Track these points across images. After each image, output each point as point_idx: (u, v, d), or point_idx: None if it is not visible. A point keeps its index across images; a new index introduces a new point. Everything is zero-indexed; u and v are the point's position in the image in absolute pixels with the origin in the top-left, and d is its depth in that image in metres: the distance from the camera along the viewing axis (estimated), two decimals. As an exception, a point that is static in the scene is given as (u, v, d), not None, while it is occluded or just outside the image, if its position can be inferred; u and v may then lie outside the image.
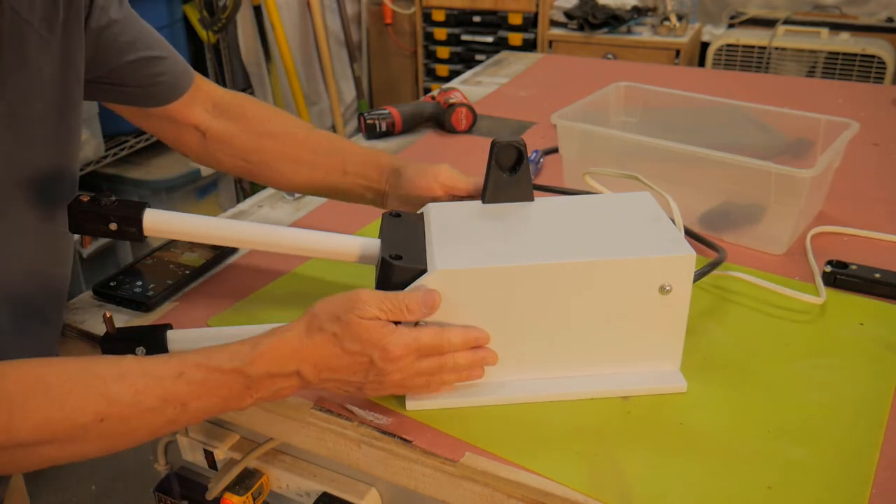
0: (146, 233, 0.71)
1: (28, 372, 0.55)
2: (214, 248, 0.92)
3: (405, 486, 0.65)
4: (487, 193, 0.74)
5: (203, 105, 0.86)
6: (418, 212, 0.74)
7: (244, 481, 0.74)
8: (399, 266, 0.63)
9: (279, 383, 0.60)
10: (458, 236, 0.68)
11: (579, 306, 0.65)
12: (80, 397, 0.54)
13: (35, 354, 0.61)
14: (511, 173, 0.73)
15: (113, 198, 0.71)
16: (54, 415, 0.53)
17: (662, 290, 0.64)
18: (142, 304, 0.82)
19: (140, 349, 0.69)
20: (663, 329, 0.66)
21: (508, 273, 0.63)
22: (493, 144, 0.72)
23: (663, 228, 0.68)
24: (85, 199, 0.70)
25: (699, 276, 0.76)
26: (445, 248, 0.65)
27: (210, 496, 0.74)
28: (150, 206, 0.71)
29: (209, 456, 0.78)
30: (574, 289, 0.64)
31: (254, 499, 0.74)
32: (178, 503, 0.83)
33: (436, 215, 0.72)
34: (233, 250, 0.91)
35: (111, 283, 0.86)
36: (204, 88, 0.87)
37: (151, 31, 0.81)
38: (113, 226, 0.71)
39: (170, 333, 0.70)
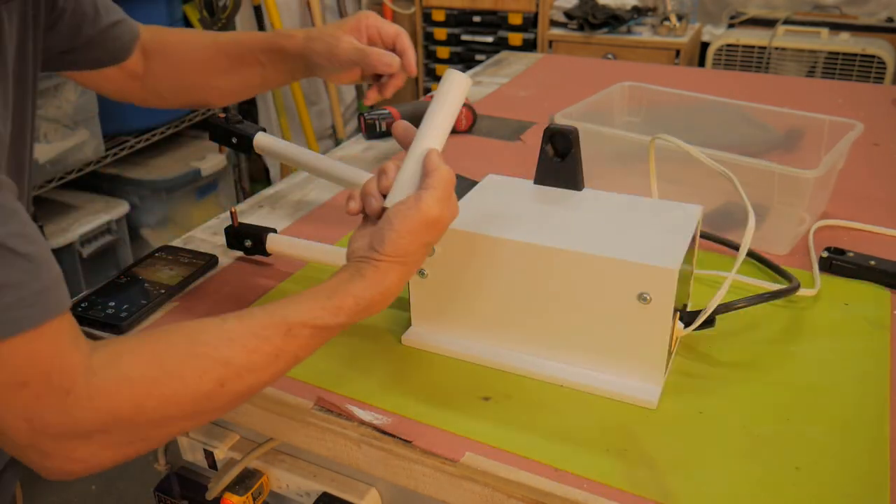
0: (256, 150, 0.96)
1: (137, 349, 0.55)
2: (192, 265, 0.89)
3: (405, 486, 0.65)
4: (536, 175, 0.78)
5: (136, 51, 0.88)
6: (481, 180, 0.80)
7: (244, 481, 0.74)
8: None
9: (372, 311, 0.61)
10: (485, 204, 0.74)
11: (562, 294, 0.67)
12: (196, 364, 0.54)
13: None
14: (561, 159, 0.76)
15: (238, 118, 0.97)
16: (177, 387, 0.53)
17: (641, 298, 0.63)
18: (115, 327, 0.79)
19: (247, 241, 0.89)
20: (644, 342, 0.66)
21: (496, 244, 0.68)
22: (546, 129, 0.75)
23: (673, 240, 0.66)
24: (221, 115, 0.98)
25: (763, 299, 0.75)
26: (462, 212, 0.67)
27: (210, 496, 0.74)
28: (264, 131, 0.96)
29: (209, 456, 0.78)
30: (556, 275, 0.66)
31: (254, 499, 0.74)
32: (178, 503, 0.83)
33: (486, 184, 0.79)
34: (211, 267, 0.90)
35: (81, 306, 0.81)
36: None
37: None
38: (234, 140, 0.97)
39: (270, 236, 0.88)
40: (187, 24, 2.43)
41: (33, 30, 0.71)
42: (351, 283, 0.60)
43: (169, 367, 0.54)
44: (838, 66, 2.43)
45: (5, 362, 0.49)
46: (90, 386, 0.51)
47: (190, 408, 0.54)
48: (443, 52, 3.01)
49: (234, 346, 0.56)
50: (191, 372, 0.54)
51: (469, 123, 1.30)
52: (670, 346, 0.66)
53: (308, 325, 0.58)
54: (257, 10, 2.70)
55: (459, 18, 2.94)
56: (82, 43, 0.81)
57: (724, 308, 0.71)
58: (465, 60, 2.98)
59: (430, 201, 0.60)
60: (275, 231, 0.89)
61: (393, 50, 0.82)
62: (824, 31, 2.49)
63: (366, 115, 1.29)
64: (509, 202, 0.75)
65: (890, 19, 2.59)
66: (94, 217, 2.02)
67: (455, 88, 0.68)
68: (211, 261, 0.90)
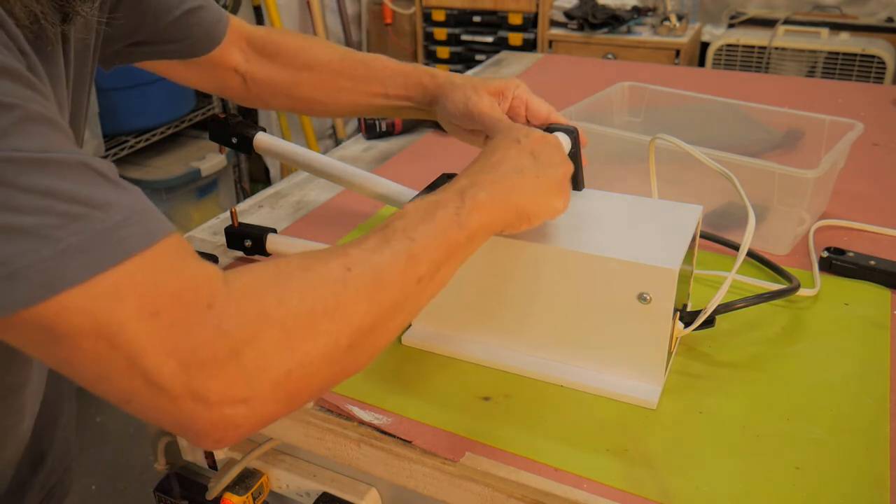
0: (256, 150, 0.94)
1: (265, 262, 0.50)
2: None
3: (405, 486, 0.65)
4: None
5: (239, 46, 0.86)
6: None
7: (244, 481, 0.74)
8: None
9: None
10: None
11: (562, 295, 0.67)
12: (320, 261, 0.50)
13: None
14: None
15: (238, 119, 0.95)
16: (310, 279, 0.49)
17: (641, 298, 0.63)
18: None
19: (247, 241, 0.89)
20: (644, 342, 0.66)
21: (495, 244, 0.67)
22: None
23: (673, 241, 0.66)
24: (221, 115, 0.96)
25: (764, 299, 0.74)
26: None
27: (210, 496, 0.74)
28: (264, 131, 0.94)
29: (209, 456, 0.78)
30: (556, 275, 0.66)
31: (254, 499, 0.74)
32: (178, 503, 0.83)
33: None
34: (215, 264, 0.90)
35: None
36: (237, 29, 0.86)
37: None
38: (234, 140, 0.95)
39: (270, 236, 0.88)
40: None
41: (94, 29, 0.67)
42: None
43: (292, 268, 0.49)
44: (838, 66, 2.43)
45: (127, 291, 0.42)
46: (231, 291, 0.46)
47: (326, 294, 0.48)
48: (443, 52, 3.02)
49: (345, 246, 0.52)
50: (315, 263, 0.50)
51: (469, 123, 1.30)
52: (670, 346, 0.66)
53: (409, 213, 0.55)
54: (257, 11, 2.70)
55: (459, 18, 2.94)
56: (150, 35, 0.77)
57: (724, 308, 0.71)
58: (465, 60, 2.98)
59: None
60: (275, 231, 0.89)
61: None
62: (824, 31, 2.49)
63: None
64: None
65: (890, 19, 2.59)
66: (94, 217, 2.02)
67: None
68: (210, 261, 0.90)
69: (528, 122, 0.78)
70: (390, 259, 0.52)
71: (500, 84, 0.78)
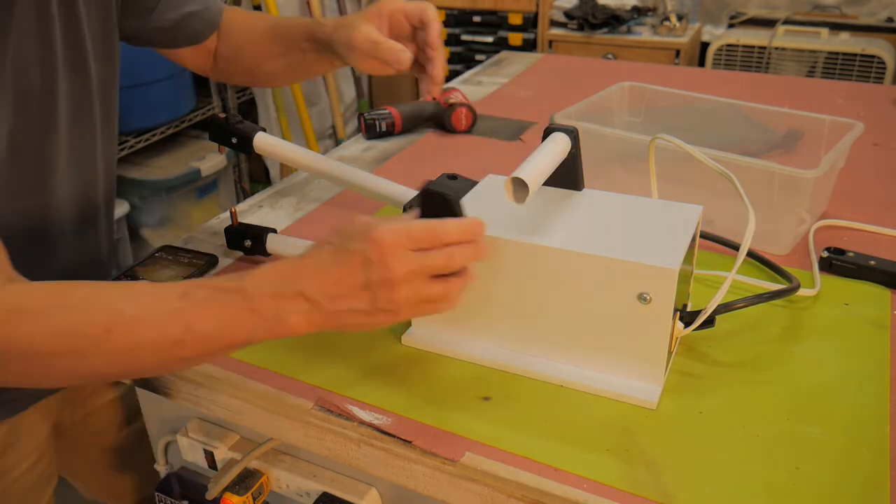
0: (256, 150, 0.95)
1: (46, 290, 0.57)
2: (192, 265, 0.90)
3: (405, 486, 0.65)
4: None
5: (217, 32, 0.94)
6: (480, 180, 0.79)
7: (244, 481, 0.74)
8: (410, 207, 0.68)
9: (285, 306, 0.58)
10: (485, 204, 0.72)
11: (562, 295, 0.67)
12: (90, 311, 0.56)
13: (89, 255, 0.84)
14: None
15: (238, 119, 0.97)
16: (65, 326, 0.55)
17: (641, 298, 0.63)
18: None
19: (247, 241, 0.88)
20: (644, 342, 0.66)
21: (495, 244, 0.67)
22: (546, 129, 0.74)
23: (673, 240, 0.66)
24: (221, 115, 0.98)
25: (764, 299, 0.74)
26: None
27: (210, 496, 0.74)
28: (264, 131, 0.96)
29: (209, 456, 0.78)
30: (556, 275, 0.66)
31: (254, 499, 0.74)
32: (178, 503, 0.83)
33: (486, 184, 0.77)
34: (211, 266, 0.90)
35: None
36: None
37: None
38: (234, 140, 0.96)
39: (270, 236, 0.88)
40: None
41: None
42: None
43: (65, 307, 0.56)
44: (838, 66, 2.43)
45: None
46: None
47: (76, 346, 0.56)
48: (443, 52, 3.01)
49: (130, 300, 0.57)
50: (83, 313, 0.56)
51: (469, 123, 1.30)
52: (670, 346, 0.66)
53: (203, 285, 0.58)
54: (257, 10, 2.70)
55: (459, 18, 2.94)
56: (156, 27, 0.87)
57: (724, 308, 0.71)
58: (465, 60, 2.98)
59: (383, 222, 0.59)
60: (275, 231, 0.89)
61: (421, 28, 0.81)
62: (824, 31, 2.49)
63: (366, 115, 1.29)
64: (509, 203, 0.75)
65: (890, 19, 2.59)
66: (94, 217, 2.02)
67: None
68: (211, 261, 0.90)
69: (411, 29, 0.82)
70: (156, 337, 0.57)
71: (374, 8, 0.82)
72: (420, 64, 0.83)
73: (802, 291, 0.80)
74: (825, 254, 0.86)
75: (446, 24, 2.97)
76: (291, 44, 0.89)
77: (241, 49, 0.94)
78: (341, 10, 2.97)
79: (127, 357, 0.57)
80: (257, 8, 2.66)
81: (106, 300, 0.57)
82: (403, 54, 0.78)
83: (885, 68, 2.36)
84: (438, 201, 0.64)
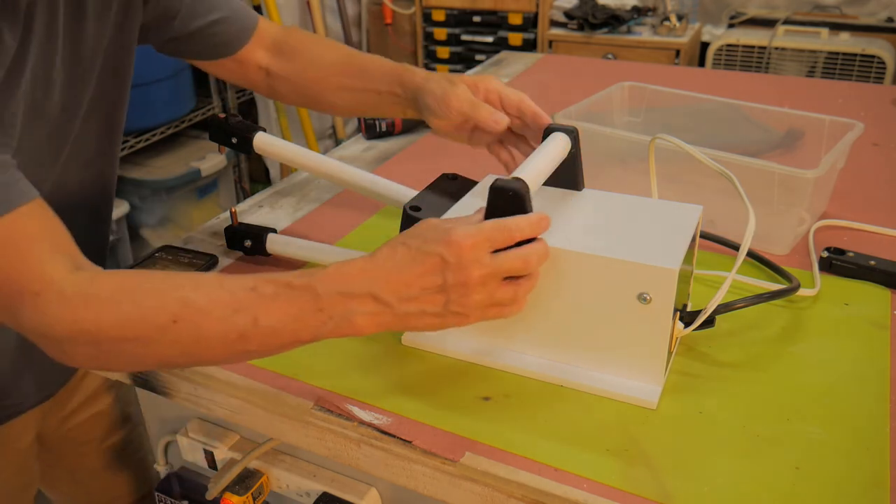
0: (256, 150, 0.94)
1: (116, 277, 0.59)
2: (192, 265, 0.90)
3: (405, 486, 0.65)
4: None
5: (264, 46, 0.93)
6: (481, 180, 0.78)
7: (244, 481, 0.74)
8: (413, 217, 0.67)
9: (353, 306, 0.58)
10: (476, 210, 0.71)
11: (562, 294, 0.67)
12: (158, 299, 0.57)
13: (94, 247, 0.82)
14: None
15: (238, 119, 0.96)
16: (133, 313, 0.57)
17: (641, 298, 0.63)
18: None
19: (247, 241, 0.88)
20: (644, 342, 0.66)
21: None
22: (546, 129, 0.74)
23: (673, 240, 0.66)
24: (221, 116, 0.97)
25: (764, 299, 0.75)
26: (458, 211, 0.67)
27: (210, 496, 0.74)
28: (264, 131, 0.95)
29: (209, 456, 0.78)
30: (556, 275, 0.66)
31: (254, 499, 0.74)
32: (178, 503, 0.83)
33: (486, 184, 0.76)
34: (211, 267, 0.90)
35: None
36: (264, 29, 0.94)
37: None
38: (234, 140, 0.95)
39: (270, 236, 0.88)
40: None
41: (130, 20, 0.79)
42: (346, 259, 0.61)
43: (135, 294, 0.57)
44: (838, 66, 2.43)
45: None
46: (61, 294, 0.57)
47: (143, 333, 0.57)
48: (443, 52, 3.01)
49: (199, 291, 0.58)
50: (152, 302, 0.57)
51: (469, 123, 1.30)
52: (670, 346, 0.66)
53: (272, 280, 0.58)
54: (257, 11, 2.70)
55: (459, 18, 2.94)
56: (178, 36, 0.87)
57: (724, 308, 0.71)
58: (465, 60, 2.98)
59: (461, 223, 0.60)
60: (275, 231, 0.89)
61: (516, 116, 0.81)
62: (824, 31, 2.49)
63: (366, 115, 1.29)
64: None
65: (890, 19, 2.59)
66: (94, 217, 2.02)
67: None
68: (211, 261, 0.90)
69: (502, 110, 0.81)
70: (223, 330, 0.57)
71: (471, 79, 0.82)
72: (499, 141, 0.85)
73: (802, 291, 0.80)
74: (825, 254, 0.86)
75: (446, 24, 2.97)
76: (369, 82, 0.88)
77: (304, 73, 0.93)
78: (341, 11, 2.97)
79: (193, 348, 0.58)
80: (256, 8, 2.67)
81: (175, 290, 0.58)
82: (502, 116, 0.78)
83: (885, 68, 2.36)
84: (510, 197, 0.62)
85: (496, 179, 0.63)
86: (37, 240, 0.58)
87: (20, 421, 0.90)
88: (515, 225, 0.60)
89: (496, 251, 0.60)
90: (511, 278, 0.61)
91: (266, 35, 0.94)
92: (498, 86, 0.81)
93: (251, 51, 0.93)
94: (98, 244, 0.90)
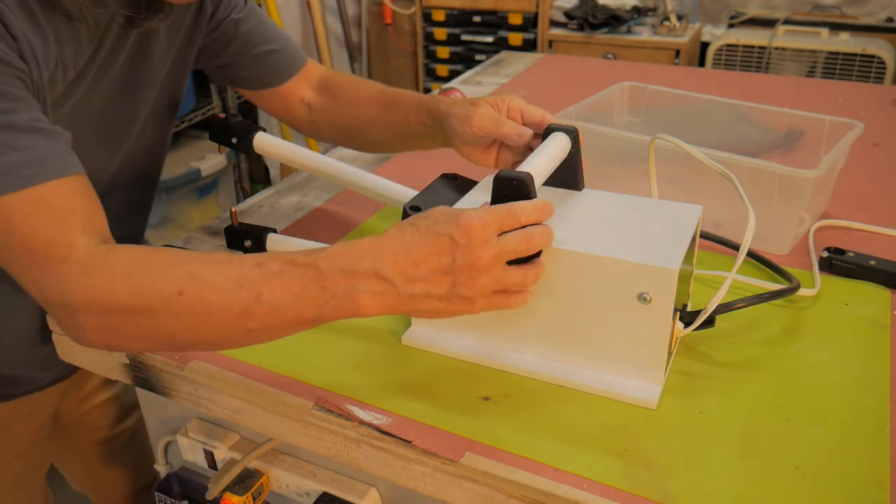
0: (256, 150, 0.96)
1: (132, 250, 0.61)
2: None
3: (405, 486, 0.65)
4: None
5: (309, 83, 0.98)
6: (481, 181, 0.78)
7: (244, 481, 0.74)
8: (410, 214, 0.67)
9: (356, 284, 0.57)
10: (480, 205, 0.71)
11: (562, 294, 0.67)
12: (167, 271, 0.59)
13: (134, 231, 0.95)
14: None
15: (238, 119, 0.98)
16: (143, 282, 0.58)
17: (641, 298, 0.63)
18: None
19: (247, 241, 0.89)
20: (644, 342, 0.66)
21: None
22: (546, 129, 0.74)
23: (673, 241, 0.66)
24: (221, 116, 0.99)
25: (764, 299, 0.74)
26: (463, 206, 0.67)
27: (210, 496, 0.74)
28: (264, 131, 0.97)
29: (209, 456, 0.78)
30: (556, 275, 0.66)
31: (254, 499, 0.74)
32: (178, 503, 0.83)
33: (486, 184, 0.76)
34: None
35: None
36: (312, 69, 0.99)
37: (269, 24, 0.95)
38: (234, 140, 0.97)
39: (270, 236, 0.88)
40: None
41: (188, 44, 0.87)
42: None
43: (146, 265, 0.59)
44: (838, 66, 2.43)
45: (13, 224, 0.59)
46: (82, 263, 0.59)
47: (150, 303, 0.58)
48: (443, 52, 3.01)
49: (207, 266, 0.59)
50: (161, 273, 0.59)
51: (469, 123, 1.30)
52: (670, 346, 0.66)
53: (278, 257, 0.59)
54: (257, 10, 2.69)
55: (459, 18, 2.94)
56: (230, 62, 0.93)
57: (724, 308, 0.71)
58: (465, 60, 2.98)
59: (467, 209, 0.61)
60: (275, 231, 0.89)
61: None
62: (824, 31, 2.49)
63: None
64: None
65: (890, 19, 2.59)
66: (94, 217, 2.02)
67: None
68: None
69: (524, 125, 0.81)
70: (226, 304, 0.58)
71: (493, 99, 0.82)
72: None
73: (802, 291, 0.80)
74: (825, 254, 0.86)
75: (446, 24, 2.97)
76: (400, 113, 0.89)
77: (344, 110, 0.95)
78: (341, 11, 2.97)
79: (197, 322, 0.58)
80: (257, 8, 2.67)
81: (185, 263, 0.59)
82: (525, 130, 0.77)
83: (885, 68, 2.36)
84: (514, 186, 0.63)
85: (500, 170, 0.63)
86: (72, 212, 0.61)
87: (35, 398, 0.93)
88: (521, 209, 0.61)
89: (502, 234, 0.60)
90: (516, 263, 0.61)
91: (313, 74, 0.98)
92: (520, 103, 0.80)
93: (297, 85, 0.97)
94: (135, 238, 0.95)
